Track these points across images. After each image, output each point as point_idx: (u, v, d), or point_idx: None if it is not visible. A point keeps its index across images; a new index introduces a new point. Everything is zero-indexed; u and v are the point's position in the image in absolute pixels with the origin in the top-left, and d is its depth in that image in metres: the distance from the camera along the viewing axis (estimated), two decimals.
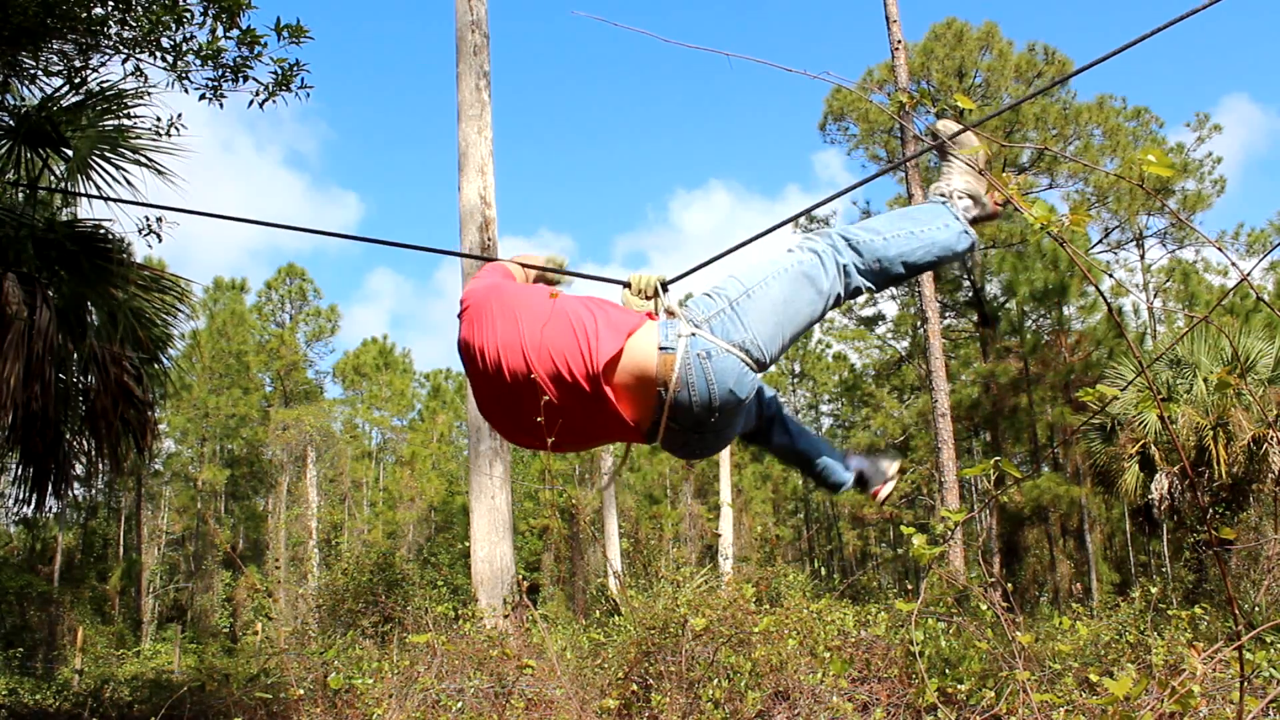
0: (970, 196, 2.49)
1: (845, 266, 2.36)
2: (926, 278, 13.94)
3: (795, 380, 37.33)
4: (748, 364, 2.23)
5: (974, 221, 2.49)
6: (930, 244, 2.41)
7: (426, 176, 72.40)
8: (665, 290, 2.61)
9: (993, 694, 4.64)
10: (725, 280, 2.33)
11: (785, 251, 2.40)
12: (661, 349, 2.21)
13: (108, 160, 6.56)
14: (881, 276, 2.41)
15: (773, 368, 2.45)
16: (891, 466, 2.76)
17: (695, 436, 2.32)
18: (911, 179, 14.41)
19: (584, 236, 73.16)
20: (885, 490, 2.73)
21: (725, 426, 2.32)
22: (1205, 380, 12.38)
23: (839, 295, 2.38)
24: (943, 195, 2.51)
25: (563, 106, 74.47)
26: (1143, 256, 27.05)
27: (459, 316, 2.42)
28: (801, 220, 23.04)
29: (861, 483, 2.73)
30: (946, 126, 2.54)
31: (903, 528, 3.32)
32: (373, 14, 72.77)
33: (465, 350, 2.38)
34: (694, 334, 2.22)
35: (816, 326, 30.71)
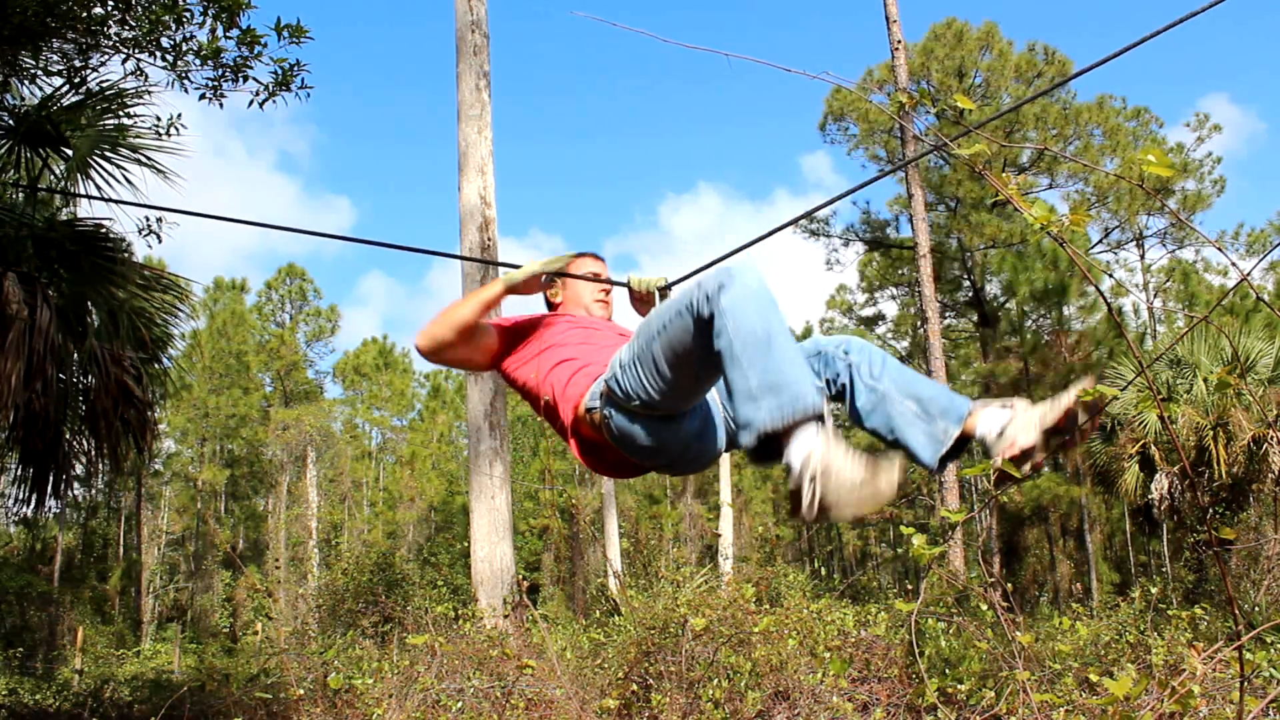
0: (809, 465, 1.68)
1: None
2: (926, 276, 13.93)
3: None
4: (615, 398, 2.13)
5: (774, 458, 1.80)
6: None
7: (420, 179, 72.20)
8: (666, 294, 2.60)
9: (993, 694, 4.64)
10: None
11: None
12: (588, 410, 2.22)
13: (108, 160, 6.56)
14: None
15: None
16: (1063, 406, 1.87)
17: (679, 459, 2.25)
18: (911, 179, 14.40)
19: (574, 238, 73.10)
20: (1024, 453, 1.87)
21: (668, 444, 2.16)
22: (1205, 380, 12.38)
23: None
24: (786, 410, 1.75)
25: (554, 107, 74.39)
26: (1143, 256, 27.06)
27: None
28: (803, 222, 23.01)
29: (989, 447, 1.95)
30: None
31: (903, 528, 3.32)
32: (372, 14, 72.67)
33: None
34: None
35: (816, 327, 30.68)
